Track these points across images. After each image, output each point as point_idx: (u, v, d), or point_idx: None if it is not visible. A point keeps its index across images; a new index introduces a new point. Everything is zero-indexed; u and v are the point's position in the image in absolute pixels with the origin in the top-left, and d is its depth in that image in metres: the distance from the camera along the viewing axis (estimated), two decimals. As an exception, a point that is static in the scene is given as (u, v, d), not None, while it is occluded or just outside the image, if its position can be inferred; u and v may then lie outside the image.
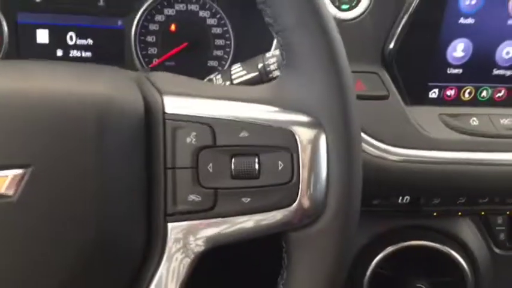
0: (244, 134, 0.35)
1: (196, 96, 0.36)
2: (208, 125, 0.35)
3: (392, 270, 0.67)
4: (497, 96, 0.61)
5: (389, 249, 0.64)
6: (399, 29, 0.57)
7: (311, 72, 0.36)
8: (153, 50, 0.69)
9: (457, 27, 0.57)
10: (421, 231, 0.66)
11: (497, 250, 0.68)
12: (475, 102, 0.61)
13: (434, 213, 0.64)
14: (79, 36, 0.67)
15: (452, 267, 0.66)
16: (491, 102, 0.61)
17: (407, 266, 0.67)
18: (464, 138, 0.57)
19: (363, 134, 0.55)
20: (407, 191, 0.60)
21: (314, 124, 0.36)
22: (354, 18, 0.58)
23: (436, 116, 0.58)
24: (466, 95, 0.61)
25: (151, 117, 0.35)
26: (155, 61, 0.69)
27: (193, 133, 0.35)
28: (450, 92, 0.60)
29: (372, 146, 0.55)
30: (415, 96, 0.58)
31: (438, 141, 0.56)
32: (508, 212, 0.67)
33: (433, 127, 0.57)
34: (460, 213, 0.65)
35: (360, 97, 0.55)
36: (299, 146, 0.35)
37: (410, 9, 0.56)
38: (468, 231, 0.67)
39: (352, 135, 0.36)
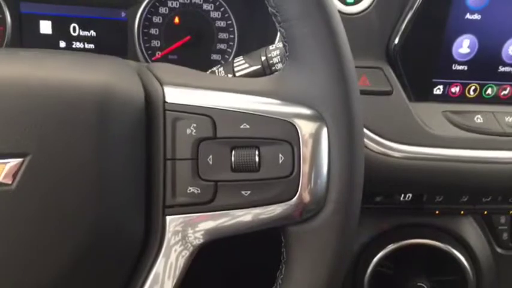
0: (245, 126, 0.35)
1: (198, 87, 0.36)
2: (209, 116, 0.34)
3: (393, 268, 0.66)
4: (502, 93, 0.61)
5: (391, 247, 0.64)
6: (404, 24, 0.56)
7: (314, 64, 0.35)
8: (156, 43, 0.68)
9: (463, 23, 0.57)
10: (423, 229, 0.65)
11: (499, 250, 0.68)
12: (480, 99, 0.60)
13: (437, 212, 0.64)
14: (82, 27, 0.66)
15: (454, 266, 0.65)
16: (496, 99, 0.60)
17: (409, 264, 0.67)
18: (469, 136, 0.56)
19: (365, 130, 0.55)
20: (410, 188, 0.59)
21: (316, 117, 0.35)
22: (359, 13, 0.57)
23: (440, 113, 0.58)
24: (471, 92, 0.60)
25: (151, 107, 0.34)
26: (158, 54, 0.69)
27: (194, 124, 0.34)
28: (455, 89, 0.60)
29: (375, 142, 0.54)
30: (420, 92, 0.58)
31: (442, 138, 0.55)
32: (511, 212, 0.66)
33: (437, 124, 0.56)
34: (462, 212, 0.65)
35: (364, 92, 0.55)
36: (300, 139, 0.35)
37: (416, 4, 0.55)
38: (471, 230, 0.66)
39: (355, 129, 0.35)
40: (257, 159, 0.34)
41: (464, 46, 0.58)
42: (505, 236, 0.66)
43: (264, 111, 0.35)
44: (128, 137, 0.33)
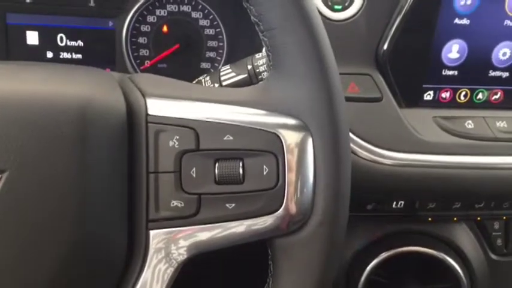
0: (228, 137, 0.34)
1: (181, 99, 0.35)
2: (192, 128, 0.34)
3: (386, 276, 0.66)
4: (493, 98, 0.60)
5: (384, 255, 0.63)
6: (393, 29, 0.56)
7: (298, 74, 0.35)
8: (144, 52, 0.68)
9: (452, 28, 0.56)
10: (417, 236, 0.65)
11: (493, 256, 0.67)
12: (470, 104, 0.60)
13: (430, 219, 0.63)
14: (69, 37, 0.66)
15: (448, 274, 0.65)
16: (487, 104, 0.60)
17: (402, 272, 0.66)
18: (459, 142, 0.56)
19: (356, 138, 0.54)
20: (402, 196, 0.58)
21: (300, 127, 0.35)
22: (347, 19, 0.57)
23: (431, 119, 0.57)
24: (462, 97, 0.60)
25: (133, 119, 0.34)
26: (147, 63, 0.68)
27: (176, 136, 0.34)
28: (445, 94, 0.59)
29: (365, 150, 0.54)
30: (410, 98, 0.57)
31: (433, 144, 0.55)
32: (504, 217, 0.66)
33: (427, 130, 0.56)
34: (455, 219, 0.64)
35: (353, 99, 0.55)
36: (285, 149, 0.34)
37: (404, 9, 0.55)
38: (464, 236, 0.65)
39: (341, 139, 0.35)
40: (241, 171, 0.34)
41: (453, 51, 0.58)
42: (499, 242, 0.65)
43: (248, 122, 0.34)
44: (109, 150, 0.33)
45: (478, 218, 0.65)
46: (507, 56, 0.59)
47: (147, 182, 0.33)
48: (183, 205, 0.33)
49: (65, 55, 0.66)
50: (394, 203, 0.59)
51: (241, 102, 0.35)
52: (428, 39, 0.56)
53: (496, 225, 0.65)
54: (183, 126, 0.34)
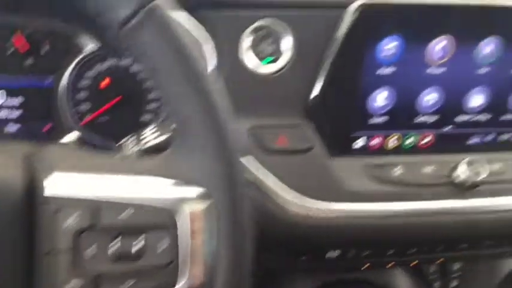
0: (127, 212, 0.34)
1: (83, 172, 0.35)
2: (91, 205, 0.34)
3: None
4: (422, 142, 0.61)
5: (322, 305, 0.63)
6: (321, 81, 0.57)
7: (198, 143, 0.36)
8: (85, 106, 0.68)
9: (376, 77, 0.58)
10: (354, 285, 0.64)
11: None
12: (400, 150, 0.60)
13: (365, 266, 0.63)
14: (7, 96, 0.66)
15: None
16: (416, 149, 0.61)
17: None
18: (389, 189, 0.56)
19: (287, 190, 0.54)
20: (335, 246, 0.58)
21: (200, 197, 0.35)
22: (276, 72, 0.58)
23: (361, 167, 0.58)
24: (392, 143, 0.61)
25: (31, 198, 0.34)
26: (88, 117, 0.68)
27: (74, 215, 0.33)
28: (375, 142, 0.60)
29: (295, 203, 0.54)
30: (340, 147, 0.58)
31: (361, 193, 0.55)
32: (439, 260, 0.66)
33: (357, 179, 0.56)
34: (391, 264, 0.64)
35: (283, 152, 0.55)
36: (183, 222, 0.34)
37: (329, 60, 0.56)
38: (402, 282, 0.65)
39: (241, 208, 0.35)
40: (139, 246, 0.34)
41: (381, 99, 0.59)
42: (436, 285, 0.66)
43: (147, 197, 0.35)
44: (4, 231, 0.32)
45: (414, 263, 0.65)
46: (433, 102, 0.60)
47: (43, 264, 0.33)
48: (81, 285, 0.33)
49: (3, 113, 0.66)
50: (328, 252, 0.59)
51: (145, 172, 0.36)
52: (355, 88, 0.58)
53: (432, 268, 0.65)
54: (82, 204, 0.34)
